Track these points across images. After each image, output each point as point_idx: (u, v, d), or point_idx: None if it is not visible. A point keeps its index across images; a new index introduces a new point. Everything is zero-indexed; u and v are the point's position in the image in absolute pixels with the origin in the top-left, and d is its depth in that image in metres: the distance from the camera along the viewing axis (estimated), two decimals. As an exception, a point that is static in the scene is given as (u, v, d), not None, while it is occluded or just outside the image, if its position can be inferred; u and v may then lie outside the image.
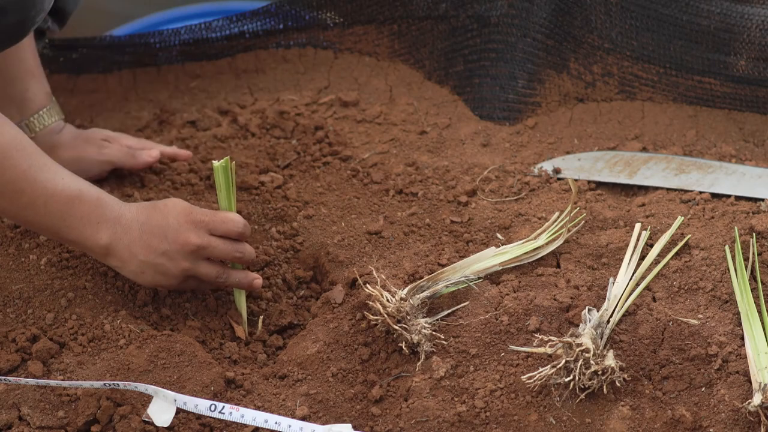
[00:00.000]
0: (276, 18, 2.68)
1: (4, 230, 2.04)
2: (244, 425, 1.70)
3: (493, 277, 1.94)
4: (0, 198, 1.76)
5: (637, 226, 2.00)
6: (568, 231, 2.03)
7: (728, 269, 1.88)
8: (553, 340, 1.72)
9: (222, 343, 1.93)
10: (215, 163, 1.87)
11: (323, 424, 1.71)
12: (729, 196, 2.12)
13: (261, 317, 1.97)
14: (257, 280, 1.93)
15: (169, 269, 1.85)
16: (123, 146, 2.23)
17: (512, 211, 2.16)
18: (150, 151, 2.23)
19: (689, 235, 1.98)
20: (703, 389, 1.73)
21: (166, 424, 1.70)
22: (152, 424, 1.70)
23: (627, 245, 1.96)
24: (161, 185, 2.25)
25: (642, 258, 1.93)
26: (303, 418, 1.72)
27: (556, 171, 2.28)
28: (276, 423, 1.69)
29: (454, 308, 1.86)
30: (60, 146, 2.19)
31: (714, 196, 2.14)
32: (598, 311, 1.79)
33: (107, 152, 2.21)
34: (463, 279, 1.89)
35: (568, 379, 1.69)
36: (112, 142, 2.23)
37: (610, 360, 1.70)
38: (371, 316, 1.82)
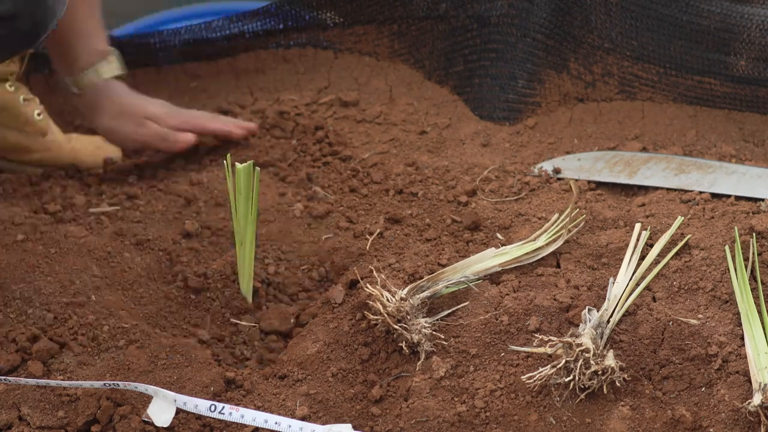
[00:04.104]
0: (276, 18, 2.68)
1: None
2: (244, 425, 1.70)
3: (493, 277, 1.94)
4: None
5: (637, 226, 2.00)
6: (569, 232, 2.02)
7: (728, 269, 1.88)
8: (553, 340, 1.72)
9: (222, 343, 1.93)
10: (238, 165, 1.84)
11: (323, 424, 1.71)
12: (729, 196, 2.12)
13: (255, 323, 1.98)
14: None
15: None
16: (161, 129, 2.27)
17: (512, 211, 2.15)
18: (184, 135, 2.28)
19: (689, 235, 1.98)
20: (703, 389, 1.73)
21: (166, 424, 1.70)
22: (152, 424, 1.70)
23: (627, 245, 1.96)
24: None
25: (642, 258, 1.93)
26: (303, 418, 1.72)
27: (556, 171, 2.28)
28: (276, 423, 1.69)
29: (454, 308, 1.86)
30: (102, 111, 2.22)
31: (714, 196, 2.14)
32: (598, 311, 1.78)
33: (142, 133, 2.25)
34: (463, 279, 1.89)
35: (568, 379, 1.69)
36: (152, 122, 2.27)
37: (610, 360, 1.69)
38: (371, 316, 1.82)
